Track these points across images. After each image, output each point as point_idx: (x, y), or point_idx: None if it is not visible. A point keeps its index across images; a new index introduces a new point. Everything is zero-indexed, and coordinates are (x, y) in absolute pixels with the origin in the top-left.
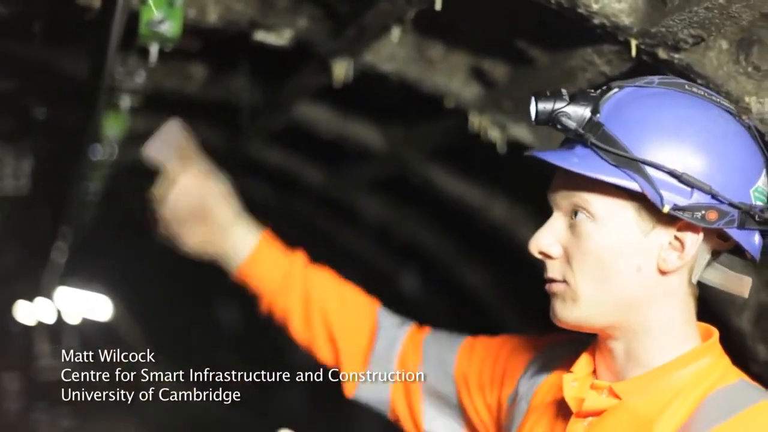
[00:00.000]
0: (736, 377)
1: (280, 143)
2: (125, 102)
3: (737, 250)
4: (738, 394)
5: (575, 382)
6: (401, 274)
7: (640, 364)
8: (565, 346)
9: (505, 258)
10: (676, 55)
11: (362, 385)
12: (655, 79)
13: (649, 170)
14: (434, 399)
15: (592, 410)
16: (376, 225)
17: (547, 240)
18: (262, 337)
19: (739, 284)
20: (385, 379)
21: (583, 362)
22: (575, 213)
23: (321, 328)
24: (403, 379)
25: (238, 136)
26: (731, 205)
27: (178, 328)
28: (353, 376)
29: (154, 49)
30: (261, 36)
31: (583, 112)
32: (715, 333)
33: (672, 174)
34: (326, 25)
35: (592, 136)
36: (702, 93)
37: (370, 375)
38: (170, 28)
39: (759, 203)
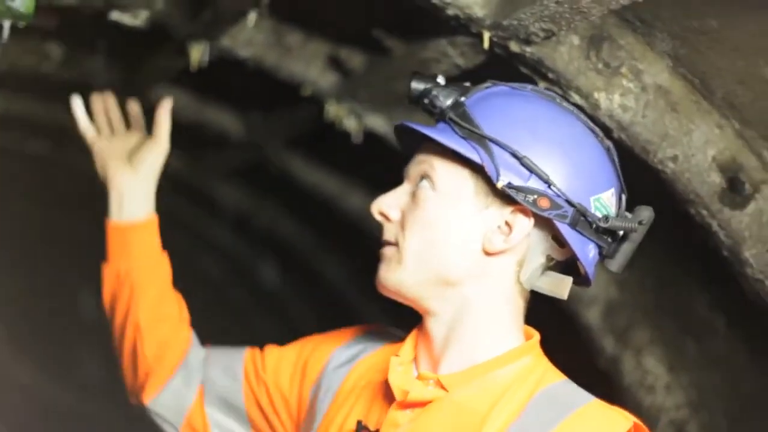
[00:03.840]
0: (559, 377)
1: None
2: None
3: (572, 266)
4: (566, 393)
5: (401, 366)
6: (261, 264)
7: (462, 354)
8: (382, 334)
9: (364, 249)
10: (528, 49)
11: (163, 395)
12: (529, 86)
13: (494, 148)
14: (219, 406)
15: (417, 401)
16: (235, 213)
17: (388, 202)
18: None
19: (560, 285)
20: (187, 393)
21: (408, 347)
22: (420, 179)
23: (157, 327)
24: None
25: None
26: (567, 201)
27: (40, 316)
28: (157, 383)
29: (6, 25)
30: (116, 16)
31: (451, 95)
32: (536, 335)
33: (513, 154)
34: (183, 7)
35: (452, 113)
36: (571, 108)
37: (171, 387)
38: (23, 3)
39: (597, 213)
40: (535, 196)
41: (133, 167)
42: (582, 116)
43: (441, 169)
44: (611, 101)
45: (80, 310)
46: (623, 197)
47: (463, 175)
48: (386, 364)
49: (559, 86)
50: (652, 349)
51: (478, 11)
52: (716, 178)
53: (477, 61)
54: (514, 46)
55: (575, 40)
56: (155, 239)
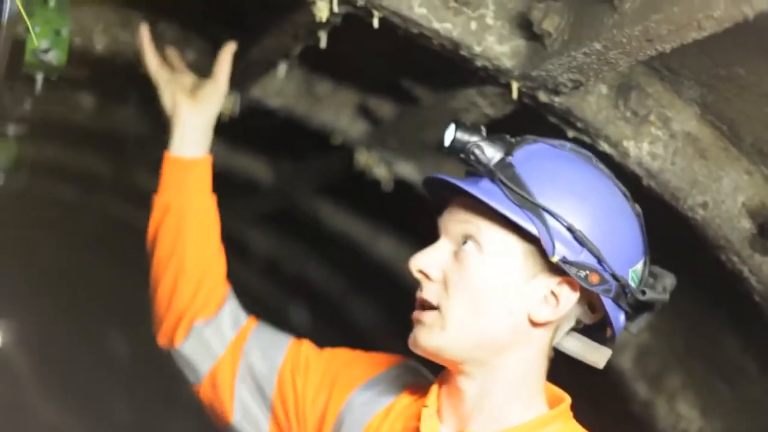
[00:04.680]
0: None
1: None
2: (11, 130)
3: (595, 328)
4: None
5: (430, 418)
6: (290, 309)
7: (493, 415)
8: (402, 371)
9: (392, 294)
10: (557, 99)
11: (190, 341)
12: (567, 144)
13: (548, 218)
14: (250, 385)
15: None
16: (266, 258)
17: (429, 260)
18: (152, 370)
19: (597, 354)
20: (217, 344)
21: (433, 397)
22: (464, 242)
23: (201, 267)
24: (232, 352)
25: (125, 165)
26: (612, 275)
27: (68, 354)
28: (190, 325)
29: (39, 78)
30: None
31: (496, 150)
32: (567, 399)
33: (569, 228)
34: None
35: (501, 174)
36: (605, 170)
37: (204, 334)
38: (56, 56)
39: (633, 283)
40: (587, 272)
41: (196, 102)
42: (615, 179)
43: (488, 232)
44: (640, 149)
45: (107, 352)
46: (648, 263)
47: (512, 240)
48: (413, 411)
49: (587, 135)
50: (684, 393)
51: (507, 62)
52: (746, 224)
53: (506, 110)
54: (542, 96)
55: (603, 89)
56: (209, 179)
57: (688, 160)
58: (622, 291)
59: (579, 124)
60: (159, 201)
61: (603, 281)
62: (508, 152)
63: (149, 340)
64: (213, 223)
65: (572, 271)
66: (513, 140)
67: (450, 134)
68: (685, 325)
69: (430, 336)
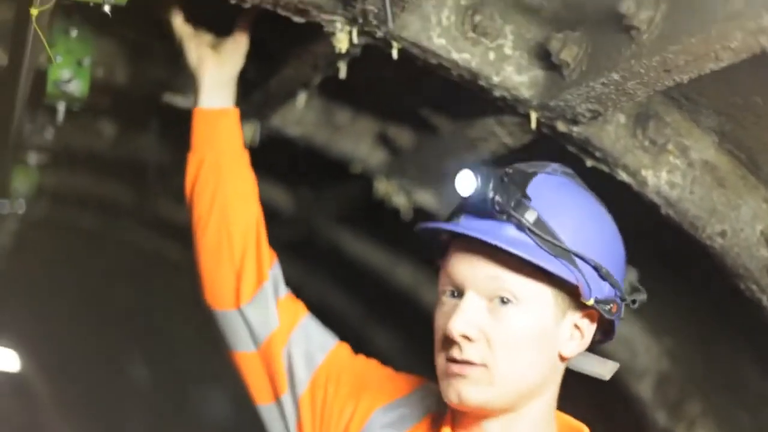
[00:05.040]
0: None
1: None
2: (33, 158)
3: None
4: None
5: None
6: None
7: None
8: (425, 393)
9: (411, 320)
10: (575, 128)
11: (256, 301)
12: (558, 168)
13: (579, 262)
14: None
15: None
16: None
17: (468, 322)
18: (170, 393)
19: (603, 367)
20: (273, 312)
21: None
22: (501, 299)
23: (247, 219)
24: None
25: (147, 193)
26: (622, 298)
27: (88, 381)
28: (251, 286)
29: (61, 108)
30: (168, 98)
31: (512, 193)
32: (585, 429)
33: (595, 267)
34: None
35: (528, 222)
36: (586, 187)
37: (268, 295)
38: (78, 87)
39: (627, 298)
40: (611, 305)
41: (219, 55)
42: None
43: (522, 284)
44: (658, 178)
45: (127, 377)
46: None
47: (543, 287)
48: None
49: (606, 164)
50: (704, 421)
51: (525, 92)
52: (765, 253)
53: (524, 140)
54: (561, 126)
55: (621, 118)
56: (239, 130)
57: (707, 188)
58: (625, 306)
59: (597, 154)
60: (192, 157)
61: (618, 308)
62: (523, 194)
63: (168, 366)
64: (249, 175)
65: (601, 307)
66: (516, 176)
67: (470, 183)
68: (704, 353)
69: (477, 392)
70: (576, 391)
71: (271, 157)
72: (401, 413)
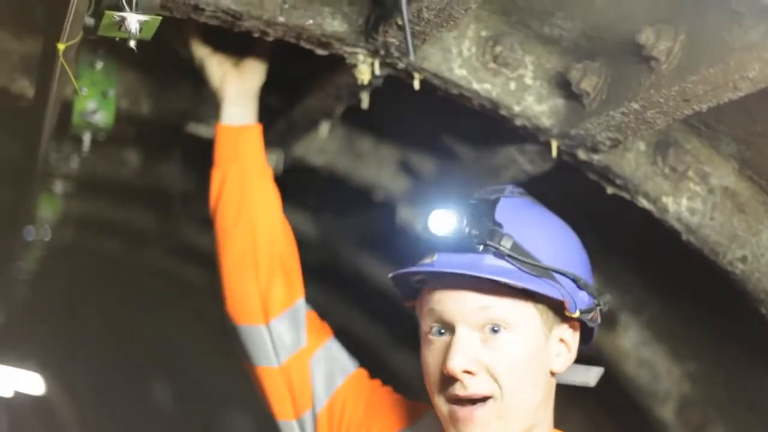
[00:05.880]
0: None
1: (213, 229)
2: (59, 186)
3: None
4: None
5: None
6: None
7: None
8: (430, 420)
9: None
10: (596, 156)
11: (285, 318)
12: (514, 189)
13: (559, 278)
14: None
15: None
16: None
17: (467, 357)
18: (194, 416)
19: (588, 375)
20: (302, 329)
21: None
22: (493, 327)
23: (275, 231)
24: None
25: (171, 220)
26: (597, 304)
27: (111, 404)
28: (281, 302)
29: (87, 138)
30: (192, 128)
31: (484, 223)
32: None
33: (573, 279)
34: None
35: (505, 248)
36: (542, 205)
37: (293, 313)
38: (103, 118)
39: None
40: (592, 314)
41: (241, 71)
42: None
43: (511, 310)
44: (679, 205)
45: (150, 401)
46: None
47: (529, 307)
48: None
49: (626, 191)
50: None
51: (546, 121)
52: None
53: (545, 167)
54: (581, 154)
55: (642, 146)
56: (261, 145)
57: (727, 214)
58: (599, 312)
59: (618, 181)
60: (216, 173)
61: (598, 316)
62: (493, 221)
63: (192, 389)
64: (272, 189)
65: (585, 317)
66: (481, 204)
67: (448, 222)
68: (726, 376)
69: (492, 428)
70: (600, 417)
71: (295, 185)
72: None
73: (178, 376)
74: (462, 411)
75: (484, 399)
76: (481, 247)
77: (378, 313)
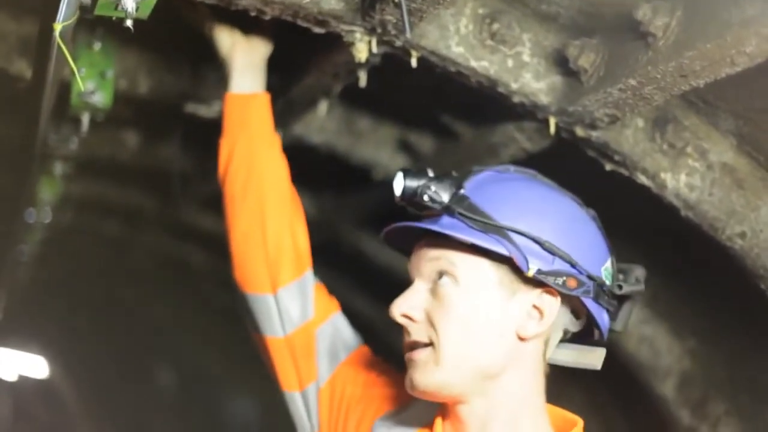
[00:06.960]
0: None
1: (213, 209)
2: (58, 168)
3: (583, 335)
4: None
5: None
6: None
7: None
8: (423, 402)
9: None
10: (594, 133)
11: (294, 286)
12: (511, 167)
13: (514, 237)
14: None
15: None
16: None
17: (409, 303)
18: (196, 403)
19: (592, 356)
20: (309, 301)
21: (439, 430)
22: (439, 276)
23: (285, 200)
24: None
25: (170, 201)
26: (588, 276)
27: (114, 387)
28: (292, 271)
29: (85, 119)
30: (191, 108)
31: (447, 187)
32: (580, 421)
33: (536, 240)
34: None
35: (459, 207)
36: (552, 184)
37: (302, 283)
38: (101, 98)
39: (607, 281)
40: (564, 278)
41: (250, 39)
42: (563, 189)
43: (460, 263)
44: (677, 181)
45: (152, 383)
46: (615, 261)
47: (484, 266)
48: None
49: (625, 168)
50: (728, 420)
51: (543, 98)
52: None
53: (544, 144)
54: (580, 131)
55: (640, 122)
56: (270, 114)
57: (726, 190)
58: (600, 289)
59: (616, 157)
60: (224, 141)
61: (580, 284)
62: (459, 186)
63: (194, 372)
64: (280, 157)
65: (550, 280)
66: (459, 174)
67: (399, 183)
68: (727, 353)
69: (426, 374)
70: (601, 394)
71: (294, 165)
72: (401, 419)
73: (180, 358)
74: (407, 355)
75: (426, 346)
76: (440, 209)
77: (379, 292)
